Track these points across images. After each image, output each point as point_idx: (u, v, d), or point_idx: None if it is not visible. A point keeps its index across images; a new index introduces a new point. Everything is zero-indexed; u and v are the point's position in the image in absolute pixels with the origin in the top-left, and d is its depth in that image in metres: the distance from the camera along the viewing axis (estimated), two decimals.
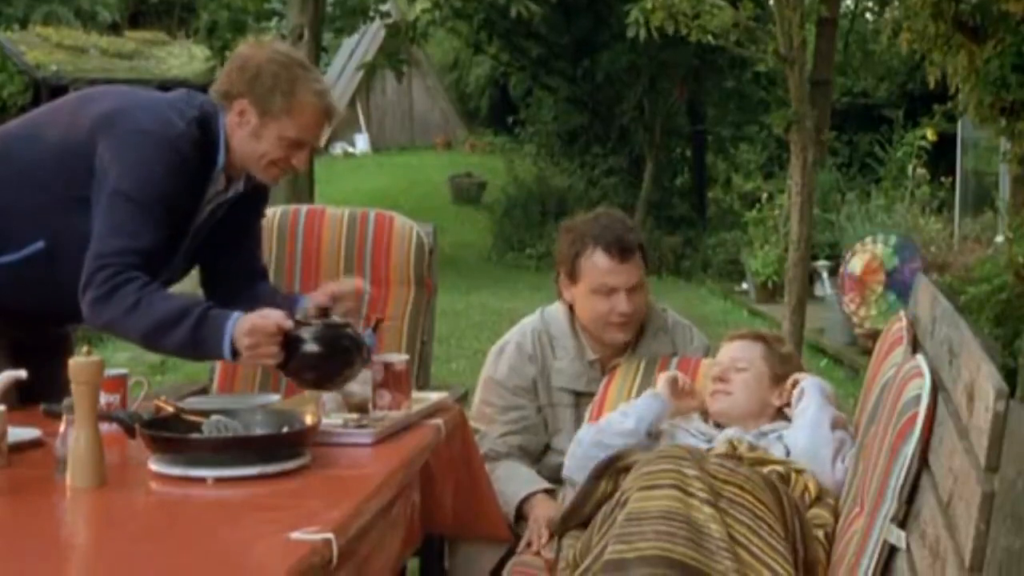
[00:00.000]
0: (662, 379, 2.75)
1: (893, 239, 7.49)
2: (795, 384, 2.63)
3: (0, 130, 2.70)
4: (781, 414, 2.66)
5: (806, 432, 2.47)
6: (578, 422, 2.97)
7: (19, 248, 2.53)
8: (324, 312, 2.41)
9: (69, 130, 2.53)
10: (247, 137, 2.54)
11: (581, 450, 2.66)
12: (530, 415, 2.99)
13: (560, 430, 3.01)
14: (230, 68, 2.56)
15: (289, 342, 2.34)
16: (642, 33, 6.64)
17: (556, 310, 3.08)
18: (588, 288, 2.95)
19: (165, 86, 2.77)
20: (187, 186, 2.51)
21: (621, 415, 2.69)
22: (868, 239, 7.60)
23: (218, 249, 2.72)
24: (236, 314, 2.37)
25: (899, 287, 7.14)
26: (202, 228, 2.64)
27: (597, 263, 2.93)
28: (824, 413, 2.49)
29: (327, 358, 2.32)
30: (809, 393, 2.54)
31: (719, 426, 2.66)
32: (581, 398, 3.01)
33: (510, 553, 2.72)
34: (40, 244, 2.53)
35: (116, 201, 2.43)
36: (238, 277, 2.76)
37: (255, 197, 2.73)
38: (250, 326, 2.33)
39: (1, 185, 2.56)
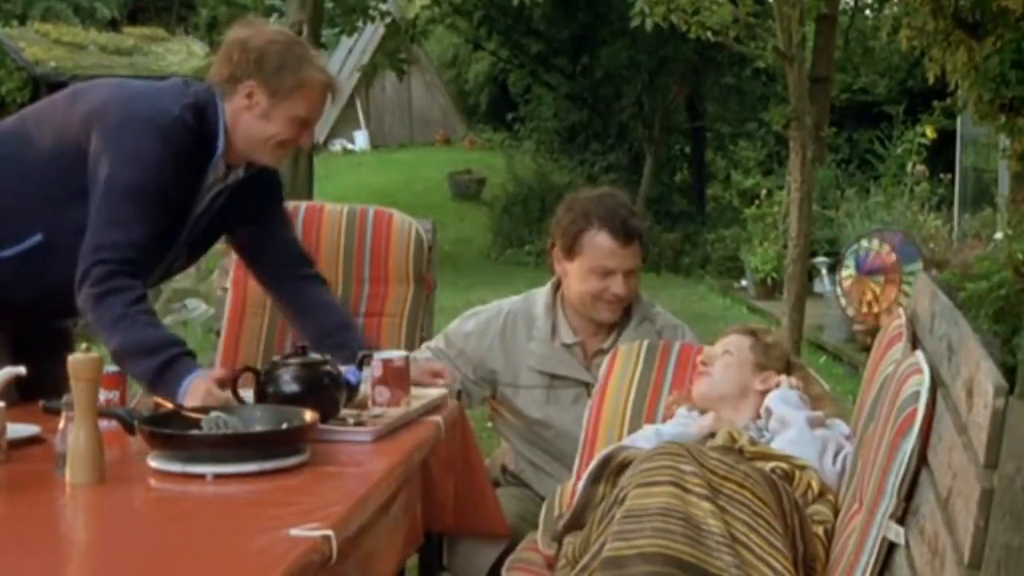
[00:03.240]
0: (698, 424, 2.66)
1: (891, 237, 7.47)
2: (778, 384, 2.63)
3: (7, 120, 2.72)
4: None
5: (787, 447, 2.46)
6: (551, 403, 3.00)
7: (17, 243, 2.53)
8: (303, 350, 2.40)
9: (62, 129, 2.52)
10: (255, 119, 2.52)
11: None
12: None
13: (529, 409, 3.03)
14: (229, 52, 2.53)
15: (268, 382, 2.34)
16: (648, 23, 6.63)
17: (540, 292, 3.11)
18: (585, 266, 2.96)
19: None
20: (182, 173, 2.49)
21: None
22: (864, 241, 7.59)
23: (248, 236, 2.75)
24: (199, 372, 2.35)
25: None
26: (203, 216, 2.63)
27: (600, 243, 2.94)
28: (795, 420, 2.48)
29: (306, 398, 2.30)
30: (775, 411, 2.54)
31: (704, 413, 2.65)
32: (555, 380, 3.02)
33: (508, 550, 2.72)
34: (38, 237, 2.53)
35: (110, 191, 2.42)
36: (281, 262, 2.79)
37: (261, 179, 2.70)
38: (195, 398, 2.30)
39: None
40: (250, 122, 2.52)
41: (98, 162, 2.44)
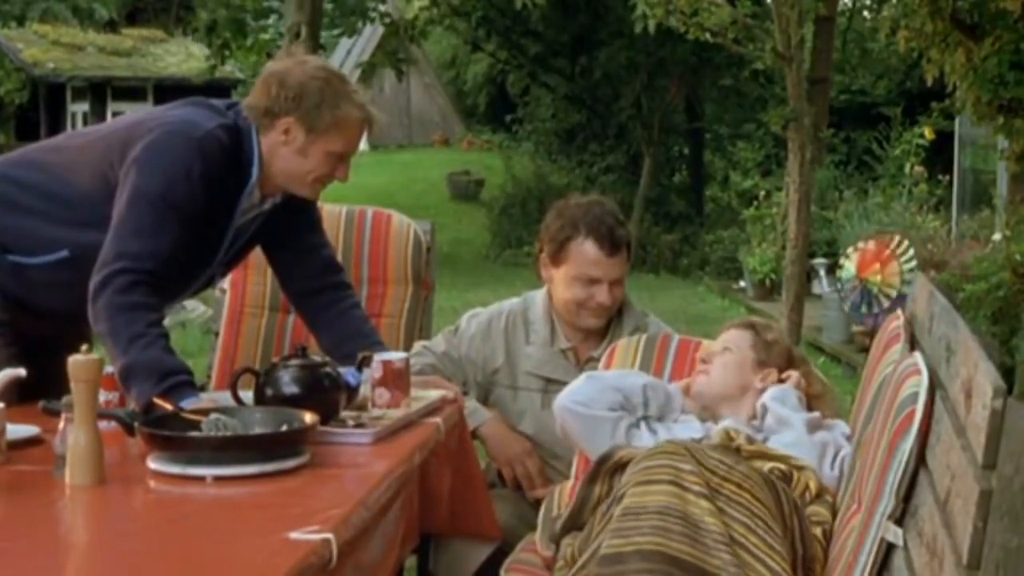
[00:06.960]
0: (684, 381, 2.75)
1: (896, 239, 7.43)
2: (782, 380, 2.63)
3: (50, 142, 2.79)
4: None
5: (785, 450, 2.46)
6: (545, 408, 2.99)
7: (46, 253, 2.55)
8: (303, 352, 2.40)
9: (110, 169, 2.52)
10: (292, 155, 2.53)
11: (580, 380, 2.69)
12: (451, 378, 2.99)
13: (525, 412, 3.04)
14: (267, 85, 2.53)
15: (267, 383, 2.34)
16: (651, 25, 6.64)
17: (537, 295, 3.12)
18: (571, 274, 2.98)
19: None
20: (213, 190, 2.49)
21: (636, 372, 2.73)
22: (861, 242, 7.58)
23: (280, 252, 2.78)
24: (195, 399, 2.33)
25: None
26: (240, 236, 2.65)
27: (586, 252, 2.95)
28: (793, 423, 2.49)
29: (306, 399, 2.30)
30: (771, 410, 2.54)
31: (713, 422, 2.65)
32: (550, 384, 3.03)
33: (498, 551, 2.71)
34: (64, 253, 2.54)
35: (137, 199, 2.43)
36: (307, 276, 2.81)
37: (297, 201, 2.71)
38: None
39: (35, 192, 2.58)
40: (286, 157, 2.54)
41: (128, 172, 2.45)
